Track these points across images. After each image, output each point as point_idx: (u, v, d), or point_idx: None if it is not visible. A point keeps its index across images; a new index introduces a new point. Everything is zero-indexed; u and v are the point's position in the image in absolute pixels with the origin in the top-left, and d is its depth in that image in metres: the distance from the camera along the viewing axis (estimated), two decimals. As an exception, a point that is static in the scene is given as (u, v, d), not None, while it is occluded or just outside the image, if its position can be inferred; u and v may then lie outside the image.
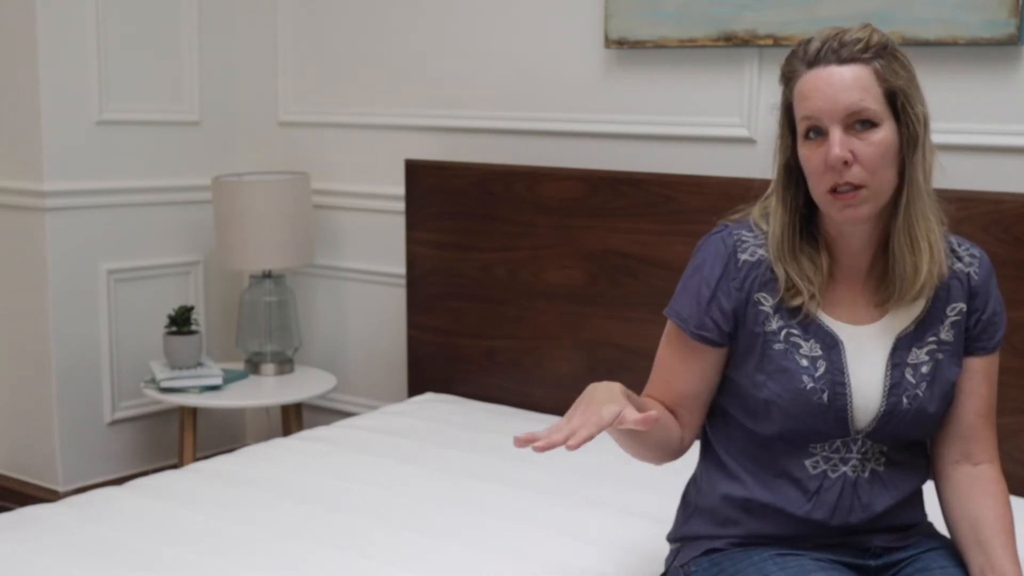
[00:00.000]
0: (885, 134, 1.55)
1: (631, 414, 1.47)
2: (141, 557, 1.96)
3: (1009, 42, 2.39)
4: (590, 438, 1.44)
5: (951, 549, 1.70)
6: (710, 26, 2.73)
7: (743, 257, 1.66)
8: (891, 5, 2.49)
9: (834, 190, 1.55)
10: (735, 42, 2.70)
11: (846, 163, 1.53)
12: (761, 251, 1.66)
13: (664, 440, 1.67)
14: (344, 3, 3.42)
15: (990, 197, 2.37)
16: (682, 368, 1.69)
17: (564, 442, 1.42)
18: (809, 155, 1.57)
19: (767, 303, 1.65)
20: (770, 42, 2.65)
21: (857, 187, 1.54)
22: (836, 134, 1.54)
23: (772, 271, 1.65)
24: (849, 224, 1.60)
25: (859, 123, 1.54)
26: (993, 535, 1.62)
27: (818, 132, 1.56)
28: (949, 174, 2.42)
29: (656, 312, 2.79)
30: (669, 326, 1.72)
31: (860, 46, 1.55)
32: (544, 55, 3.06)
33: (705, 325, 1.67)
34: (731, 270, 1.66)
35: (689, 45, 2.77)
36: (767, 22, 2.65)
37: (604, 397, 1.51)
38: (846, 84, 1.54)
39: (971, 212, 2.36)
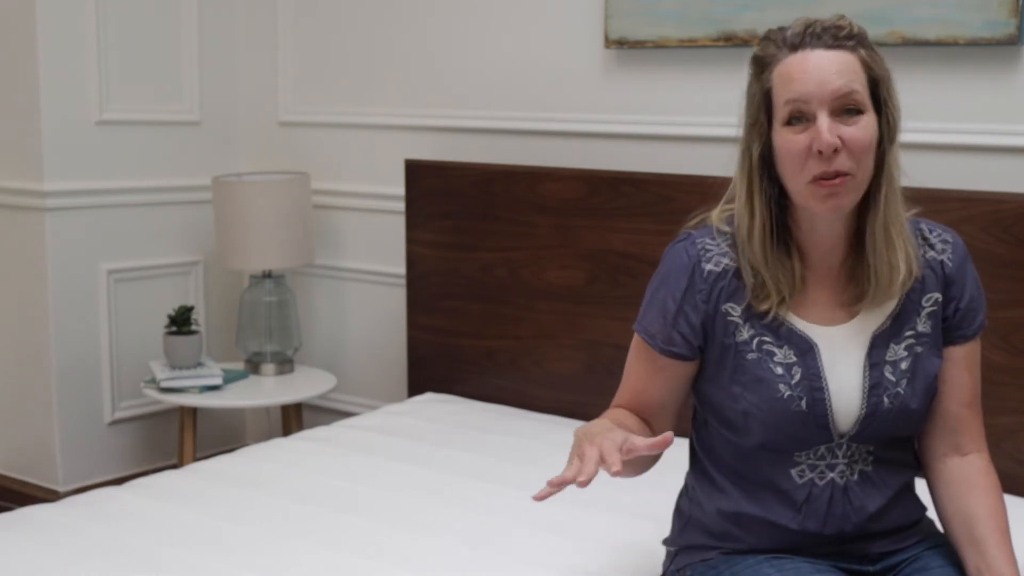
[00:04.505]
0: (869, 121, 1.52)
1: (640, 440, 1.41)
2: (141, 557, 1.96)
3: (1009, 42, 2.38)
4: (597, 467, 1.37)
5: (948, 547, 1.66)
6: (710, 26, 2.73)
7: (708, 267, 1.61)
8: (891, 5, 2.49)
9: (816, 179, 1.50)
10: (735, 42, 2.70)
11: (836, 150, 1.48)
12: (725, 260, 1.61)
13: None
14: (344, 3, 3.42)
15: (991, 197, 2.37)
16: (651, 382, 1.66)
17: (575, 478, 1.35)
18: (791, 139, 1.52)
19: (735, 312, 1.61)
20: (770, 42, 2.65)
21: (844, 174, 1.50)
22: (824, 120, 1.49)
23: (738, 279, 1.60)
24: (830, 215, 1.54)
25: (846, 110, 1.50)
26: (988, 532, 1.58)
27: (801, 118, 1.52)
28: (951, 175, 2.44)
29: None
30: (637, 339, 1.68)
31: (844, 33, 1.52)
32: (544, 55, 3.05)
33: (673, 340, 1.63)
34: (696, 282, 1.61)
35: (689, 45, 2.77)
36: (767, 22, 2.65)
37: (599, 430, 1.46)
38: (835, 68, 1.50)
39: (971, 212, 2.36)
